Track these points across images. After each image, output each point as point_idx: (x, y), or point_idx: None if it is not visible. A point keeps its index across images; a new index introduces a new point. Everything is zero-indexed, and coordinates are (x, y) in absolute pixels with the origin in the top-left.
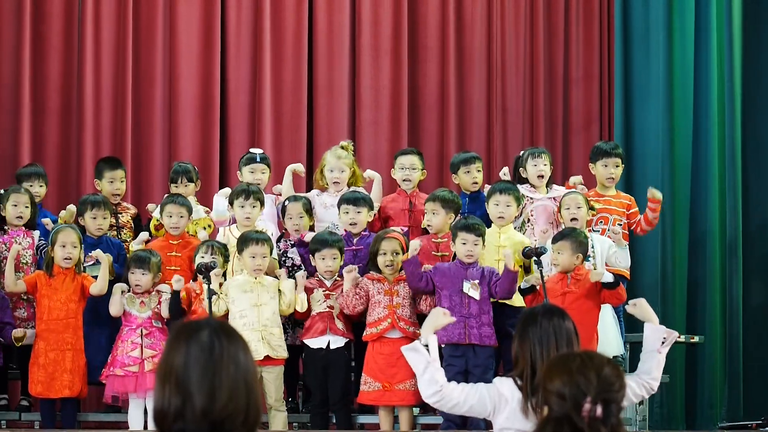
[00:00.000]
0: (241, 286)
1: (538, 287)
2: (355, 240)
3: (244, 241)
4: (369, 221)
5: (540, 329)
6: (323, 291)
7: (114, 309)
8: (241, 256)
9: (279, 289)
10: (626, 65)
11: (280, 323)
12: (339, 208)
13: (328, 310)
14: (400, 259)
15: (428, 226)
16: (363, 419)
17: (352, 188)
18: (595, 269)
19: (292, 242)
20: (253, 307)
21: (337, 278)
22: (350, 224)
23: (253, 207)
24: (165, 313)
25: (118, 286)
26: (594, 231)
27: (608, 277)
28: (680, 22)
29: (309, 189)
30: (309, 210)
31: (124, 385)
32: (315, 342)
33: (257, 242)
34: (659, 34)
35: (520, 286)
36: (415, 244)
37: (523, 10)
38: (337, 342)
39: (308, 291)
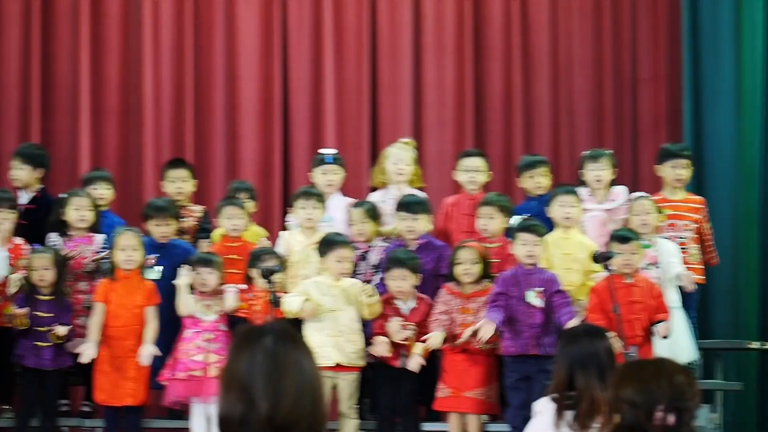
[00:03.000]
0: (320, 289)
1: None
2: (412, 248)
3: (328, 244)
4: (428, 229)
5: (582, 349)
6: (400, 321)
7: (184, 308)
8: (325, 259)
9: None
10: (694, 65)
11: (358, 330)
12: (396, 213)
13: (405, 342)
14: (477, 269)
15: (483, 230)
16: (429, 427)
17: (409, 191)
18: (656, 276)
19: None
20: (330, 311)
21: (413, 304)
22: (407, 231)
23: (315, 209)
24: (231, 303)
25: (182, 283)
26: (663, 237)
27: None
28: (750, 20)
29: (373, 190)
30: (374, 215)
31: (186, 389)
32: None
33: (343, 245)
34: (728, 33)
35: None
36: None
37: (589, 9)
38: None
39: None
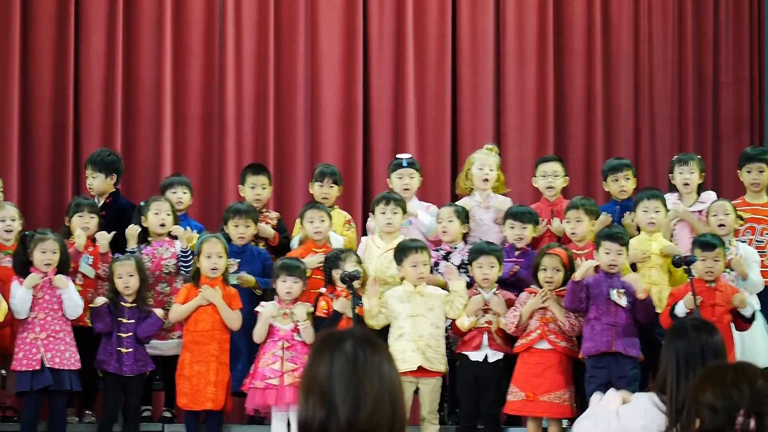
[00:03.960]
0: (399, 297)
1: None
2: (516, 253)
3: (402, 250)
4: (535, 236)
5: (688, 344)
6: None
7: (259, 338)
8: (401, 266)
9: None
10: None
11: (440, 336)
12: (504, 221)
13: (486, 325)
14: (560, 276)
15: (572, 234)
16: None
17: (493, 197)
18: (733, 279)
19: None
20: (410, 317)
21: (495, 292)
22: (516, 239)
23: (394, 213)
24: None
25: (266, 311)
26: (741, 241)
27: (748, 311)
28: None
29: (454, 193)
30: (462, 216)
31: (264, 398)
32: (473, 354)
33: (417, 250)
34: None
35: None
36: (590, 264)
37: (671, 12)
38: (495, 356)
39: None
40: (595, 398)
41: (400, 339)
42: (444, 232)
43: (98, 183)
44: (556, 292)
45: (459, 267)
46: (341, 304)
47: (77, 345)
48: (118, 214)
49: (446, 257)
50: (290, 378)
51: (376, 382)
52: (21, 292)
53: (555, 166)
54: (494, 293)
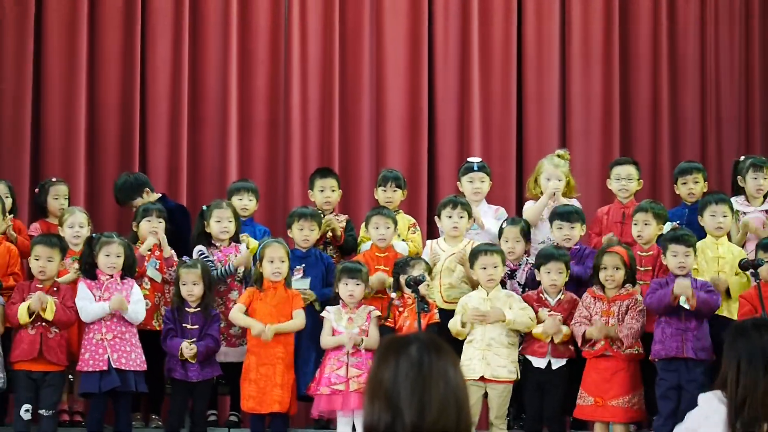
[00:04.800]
0: (473, 303)
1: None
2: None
3: (474, 254)
4: (582, 235)
5: (749, 343)
6: (547, 311)
7: (326, 341)
8: (473, 269)
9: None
10: None
11: (510, 343)
12: (551, 222)
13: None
14: (620, 274)
15: (638, 237)
16: None
17: (564, 202)
18: None
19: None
20: (480, 324)
21: (561, 297)
22: (564, 239)
23: (461, 217)
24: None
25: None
26: None
27: None
28: None
29: (519, 198)
30: (527, 235)
31: (330, 403)
32: (536, 361)
33: (487, 253)
34: None
35: None
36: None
37: (737, 15)
38: (559, 362)
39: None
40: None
41: (469, 346)
42: (510, 252)
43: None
44: (615, 296)
45: (525, 284)
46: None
47: (145, 348)
48: (169, 214)
49: (512, 275)
50: (355, 384)
51: (442, 386)
52: (96, 307)
53: (629, 170)
54: (558, 299)
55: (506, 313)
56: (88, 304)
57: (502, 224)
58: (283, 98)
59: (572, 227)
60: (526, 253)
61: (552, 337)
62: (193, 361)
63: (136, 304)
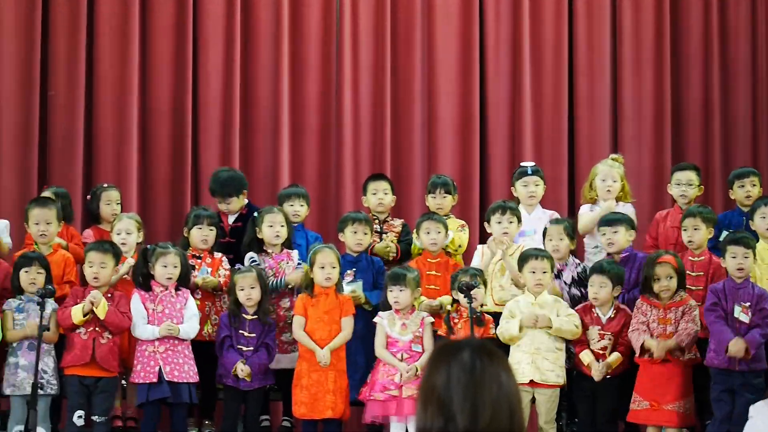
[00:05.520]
0: (519, 308)
1: None
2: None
3: (524, 258)
4: (629, 240)
5: None
6: (598, 330)
7: (381, 353)
8: (522, 272)
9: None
10: None
11: (558, 348)
12: (597, 230)
13: (601, 351)
14: (674, 283)
15: (689, 242)
16: None
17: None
18: None
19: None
20: (528, 328)
21: (611, 314)
22: (608, 244)
23: (510, 222)
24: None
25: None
26: None
27: None
28: None
29: (571, 202)
30: (571, 233)
31: (384, 408)
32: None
33: (537, 257)
34: None
35: None
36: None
37: None
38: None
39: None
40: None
41: (517, 350)
42: (555, 250)
43: (234, 205)
44: (670, 304)
45: (572, 283)
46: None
47: (197, 355)
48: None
49: (558, 275)
50: (409, 389)
51: (494, 391)
52: (147, 332)
53: (690, 175)
54: (609, 316)
55: (553, 320)
56: (141, 323)
57: (546, 224)
58: (334, 103)
59: (615, 231)
60: (572, 253)
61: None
62: (248, 380)
63: (190, 320)
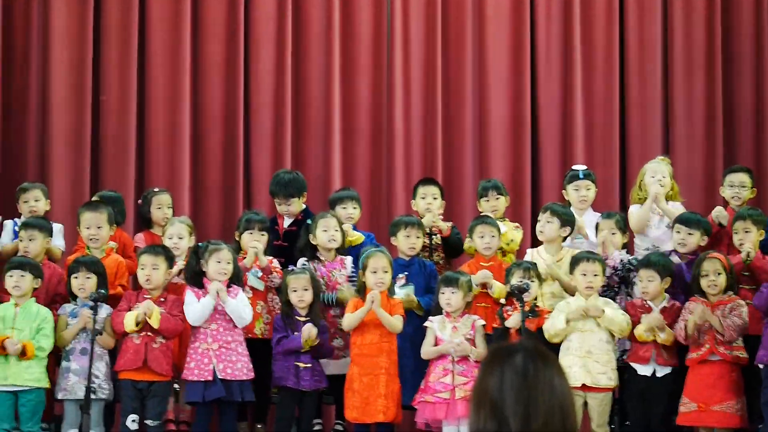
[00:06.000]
0: (570, 309)
1: None
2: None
3: (576, 260)
4: (702, 244)
5: None
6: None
7: (427, 351)
8: (573, 275)
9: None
10: None
11: (609, 350)
12: (672, 227)
13: (651, 342)
14: (722, 279)
15: (740, 245)
16: None
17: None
18: None
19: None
20: (578, 332)
21: (665, 303)
22: (680, 244)
23: (548, 222)
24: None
25: (434, 329)
26: None
27: None
28: None
29: (623, 204)
30: (624, 227)
31: (435, 412)
32: (641, 368)
33: (588, 260)
34: None
35: None
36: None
37: None
38: (663, 370)
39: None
40: None
41: (568, 353)
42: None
43: (294, 207)
44: (718, 302)
45: (622, 277)
46: (514, 320)
47: (250, 353)
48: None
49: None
50: (461, 392)
51: (547, 394)
52: (205, 301)
53: (743, 177)
54: (663, 306)
55: (606, 310)
56: (193, 303)
57: (598, 218)
58: (385, 106)
59: (690, 233)
60: (624, 248)
61: (656, 339)
62: (314, 343)
63: (244, 305)
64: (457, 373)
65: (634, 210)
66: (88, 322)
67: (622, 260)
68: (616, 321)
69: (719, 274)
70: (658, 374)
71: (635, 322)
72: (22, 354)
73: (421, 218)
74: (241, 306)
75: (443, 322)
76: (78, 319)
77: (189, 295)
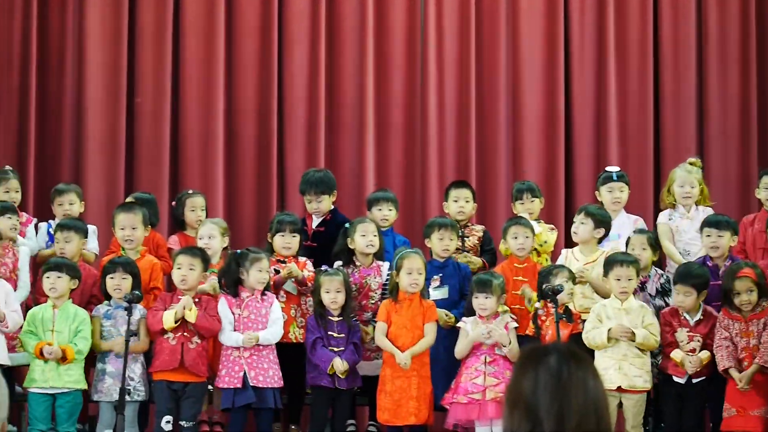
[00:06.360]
0: (606, 313)
1: None
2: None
3: (609, 263)
4: (732, 245)
5: None
6: (686, 331)
7: (460, 352)
8: (607, 278)
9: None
10: None
11: (644, 352)
12: (702, 230)
13: (690, 354)
14: (755, 296)
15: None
16: None
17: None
18: None
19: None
20: (615, 339)
21: (700, 316)
22: (711, 248)
23: (582, 224)
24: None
25: (468, 330)
26: None
27: None
28: None
29: (657, 203)
30: (654, 244)
31: (467, 412)
32: (676, 377)
33: (622, 264)
34: None
35: None
36: None
37: None
38: (698, 377)
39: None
40: None
41: (603, 355)
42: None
43: (324, 204)
44: (751, 316)
45: (656, 295)
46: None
47: (282, 359)
48: (338, 228)
49: (642, 287)
50: (492, 393)
51: (581, 396)
52: (232, 339)
53: None
54: (698, 319)
55: (637, 333)
56: (227, 329)
57: (629, 235)
58: (419, 102)
59: (720, 236)
60: (655, 264)
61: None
62: (343, 377)
63: (274, 323)
64: (489, 374)
65: (662, 220)
66: (121, 348)
67: (662, 283)
68: (646, 344)
69: (751, 291)
70: (694, 379)
71: (669, 334)
72: (63, 359)
73: (454, 221)
74: (271, 335)
75: (476, 323)
76: (112, 341)
77: (223, 303)
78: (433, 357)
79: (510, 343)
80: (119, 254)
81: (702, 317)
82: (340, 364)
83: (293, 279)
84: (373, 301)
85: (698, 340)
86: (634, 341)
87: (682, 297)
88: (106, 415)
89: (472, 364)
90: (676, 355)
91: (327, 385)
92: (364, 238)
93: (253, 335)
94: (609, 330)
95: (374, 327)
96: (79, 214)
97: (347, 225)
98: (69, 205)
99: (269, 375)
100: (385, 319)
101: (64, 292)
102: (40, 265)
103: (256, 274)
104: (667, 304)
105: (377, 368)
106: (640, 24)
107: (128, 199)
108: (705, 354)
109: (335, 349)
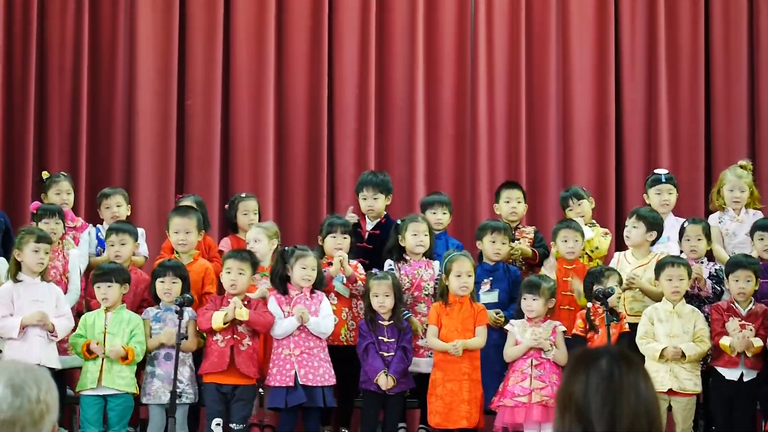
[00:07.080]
0: (658, 316)
1: None
2: None
3: (660, 265)
4: None
5: None
6: (738, 321)
7: (509, 354)
8: (658, 280)
9: None
10: None
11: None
12: (752, 235)
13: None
14: None
15: None
16: None
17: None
18: None
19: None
20: (667, 337)
21: (752, 306)
22: (764, 251)
23: (634, 227)
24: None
25: (515, 332)
26: None
27: None
28: None
29: (708, 208)
30: (709, 234)
31: (513, 416)
32: (728, 373)
33: (673, 265)
34: None
35: None
36: None
37: None
38: (750, 374)
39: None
40: None
41: (653, 360)
42: (693, 250)
43: (379, 204)
44: None
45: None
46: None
47: (335, 360)
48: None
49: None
50: (538, 396)
51: (632, 399)
52: (288, 322)
53: None
54: (750, 308)
55: (685, 349)
56: (279, 320)
57: (683, 223)
58: (469, 107)
59: None
60: (706, 258)
61: (745, 352)
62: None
63: (325, 318)
64: (535, 377)
65: (713, 223)
66: (171, 338)
67: (716, 268)
68: (693, 357)
69: None
70: (746, 378)
71: (719, 324)
72: (124, 358)
73: (506, 223)
74: (322, 323)
75: (524, 327)
76: (161, 333)
77: (272, 301)
78: (483, 360)
79: (554, 348)
80: (171, 257)
81: (753, 308)
82: (384, 383)
83: (343, 280)
84: (426, 293)
85: (751, 329)
86: (685, 359)
87: (743, 283)
88: (157, 419)
89: (518, 368)
90: (725, 340)
91: (378, 390)
92: (415, 237)
93: (306, 312)
94: (663, 349)
95: (426, 325)
96: (126, 217)
97: (399, 222)
98: (117, 207)
99: (320, 373)
100: (435, 322)
101: (115, 300)
102: (91, 269)
103: (300, 271)
104: (718, 293)
105: (429, 366)
106: (691, 29)
107: (183, 202)
108: (757, 341)
109: (385, 354)
